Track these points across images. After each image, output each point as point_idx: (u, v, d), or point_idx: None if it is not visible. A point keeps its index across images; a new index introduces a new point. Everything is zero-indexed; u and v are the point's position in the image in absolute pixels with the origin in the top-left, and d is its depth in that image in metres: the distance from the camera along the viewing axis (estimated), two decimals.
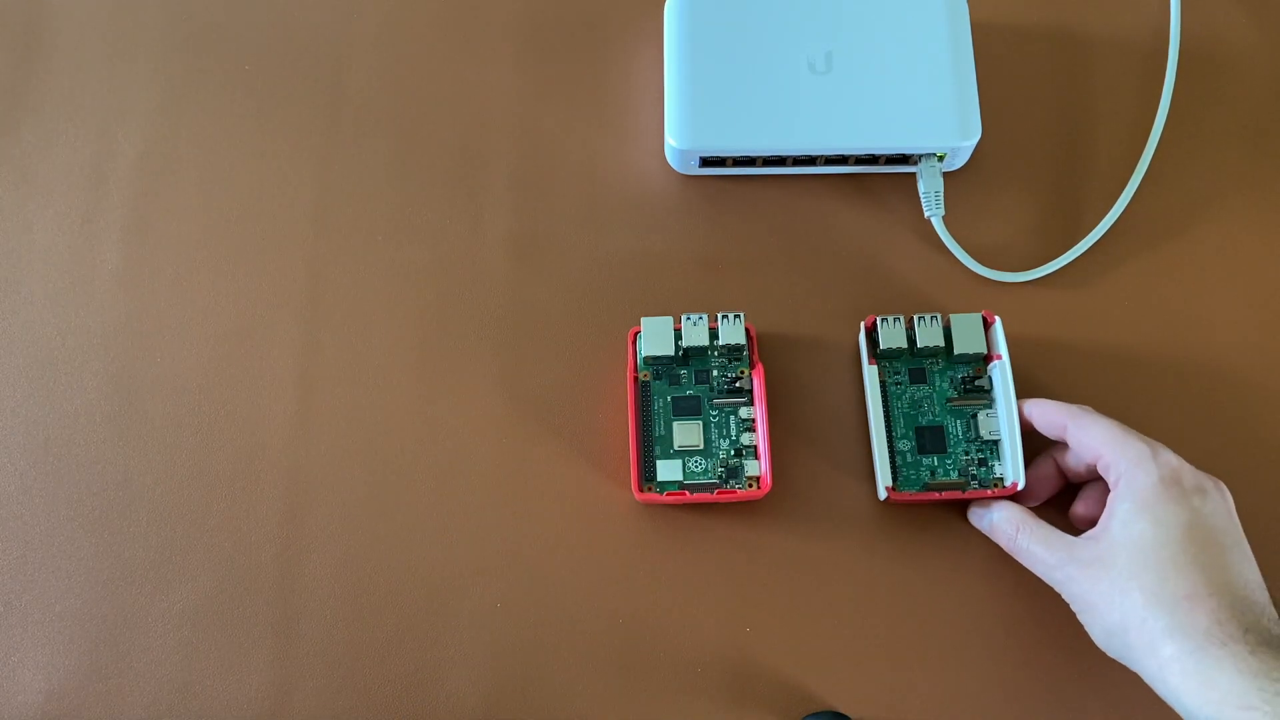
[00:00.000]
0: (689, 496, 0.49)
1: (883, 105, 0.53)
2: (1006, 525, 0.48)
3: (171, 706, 0.49)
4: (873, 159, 0.55)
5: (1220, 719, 0.39)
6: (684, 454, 0.50)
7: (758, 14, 0.55)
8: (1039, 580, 0.47)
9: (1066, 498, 0.50)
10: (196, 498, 0.52)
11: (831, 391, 0.53)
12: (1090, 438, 0.46)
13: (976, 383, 0.52)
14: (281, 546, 0.51)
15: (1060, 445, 0.49)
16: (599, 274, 0.55)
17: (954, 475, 0.50)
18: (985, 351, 0.51)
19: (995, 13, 0.59)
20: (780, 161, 0.55)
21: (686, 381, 0.52)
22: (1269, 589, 0.42)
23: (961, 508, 0.51)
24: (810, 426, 0.52)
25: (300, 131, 0.58)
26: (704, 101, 0.54)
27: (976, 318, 0.51)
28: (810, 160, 0.55)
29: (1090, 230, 0.55)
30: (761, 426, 0.50)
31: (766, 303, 0.54)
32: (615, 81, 0.58)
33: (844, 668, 0.49)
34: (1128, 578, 0.42)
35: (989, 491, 0.50)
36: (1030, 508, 0.49)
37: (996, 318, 0.51)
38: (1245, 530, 0.44)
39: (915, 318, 0.52)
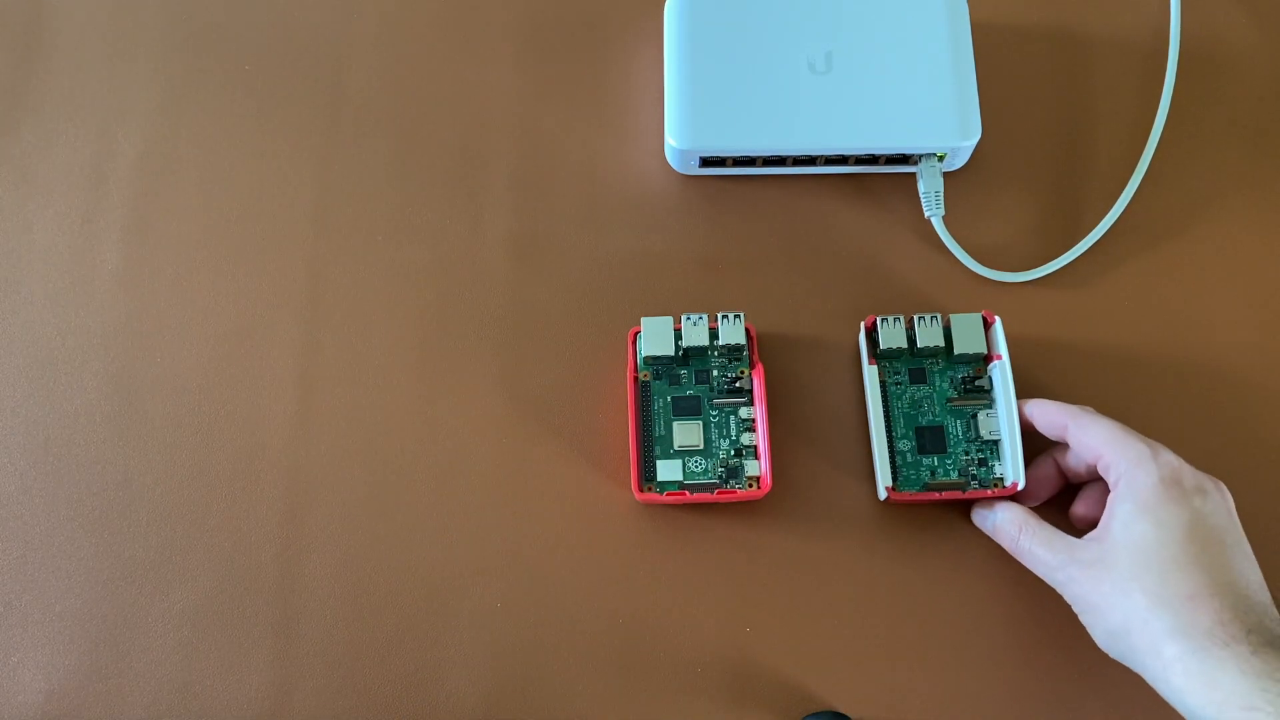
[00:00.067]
0: (689, 496, 0.49)
1: (883, 105, 0.53)
2: (1009, 526, 0.48)
3: (171, 706, 0.49)
4: (873, 159, 0.55)
5: (1223, 719, 0.39)
6: (684, 454, 0.50)
7: (758, 14, 0.55)
8: (1039, 580, 0.47)
9: (1066, 498, 0.50)
10: (196, 498, 0.52)
11: (831, 391, 0.53)
12: (1090, 438, 0.46)
13: (976, 383, 0.52)
14: (281, 546, 0.51)
15: (1060, 446, 0.49)
16: (599, 274, 0.55)
17: (954, 475, 0.50)
18: (985, 351, 0.51)
19: (995, 13, 0.59)
20: (780, 161, 0.55)
21: (686, 381, 0.52)
22: (1269, 589, 0.42)
23: (961, 508, 0.51)
24: (810, 426, 0.52)
25: (300, 131, 0.58)
26: (704, 101, 0.54)
27: (976, 318, 0.51)
28: (810, 160, 0.55)
29: (1090, 230, 0.55)
30: (761, 426, 0.50)
31: (766, 303, 0.54)
32: (615, 81, 0.58)
33: (844, 668, 0.49)
34: (1129, 579, 0.42)
35: (989, 491, 0.50)
36: (1030, 508, 0.49)
37: (996, 318, 0.51)
38: (1245, 530, 0.44)
39: (915, 318, 0.52)
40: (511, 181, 0.57)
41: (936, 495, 0.50)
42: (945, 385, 0.52)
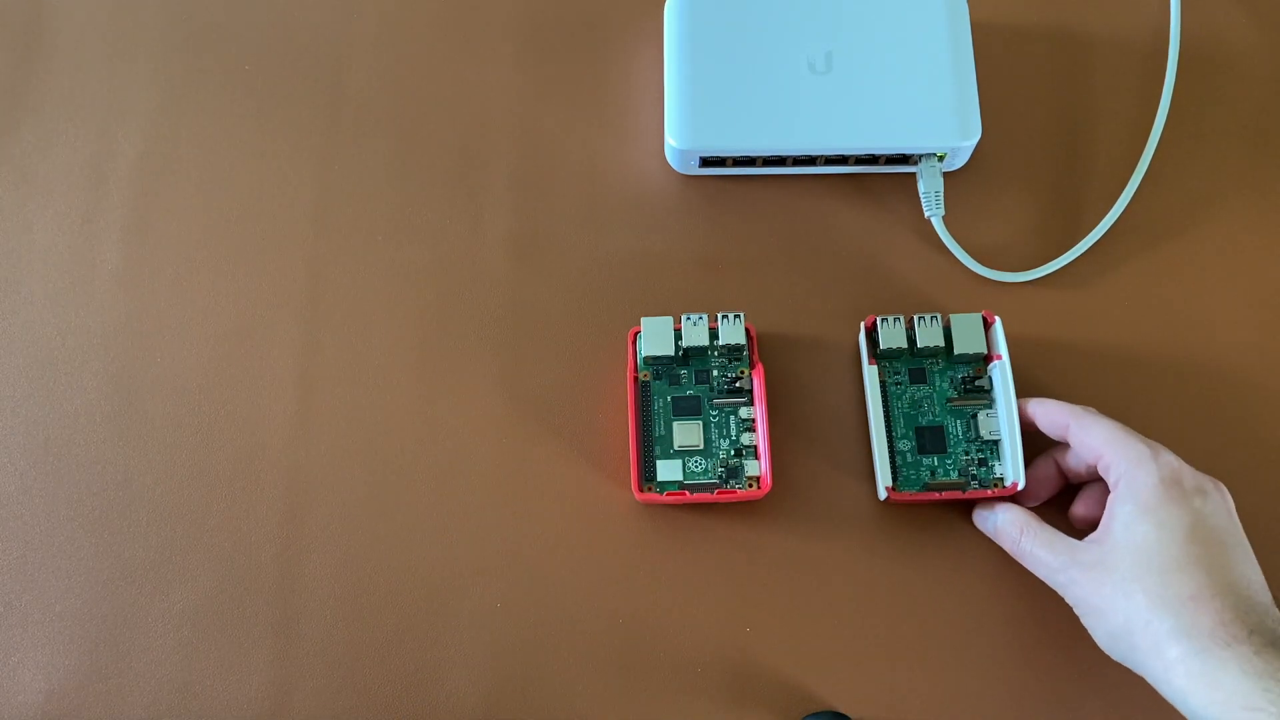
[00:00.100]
0: (689, 496, 0.49)
1: (883, 105, 0.53)
2: (1010, 528, 0.48)
3: (171, 706, 0.49)
4: (873, 159, 0.55)
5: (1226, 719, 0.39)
6: (684, 454, 0.50)
7: (758, 14, 0.55)
8: (1039, 580, 0.47)
9: (1066, 499, 0.50)
10: (196, 498, 0.52)
11: (831, 391, 0.53)
12: (1092, 438, 0.46)
13: (976, 383, 0.52)
14: (281, 546, 0.51)
15: (1061, 446, 0.49)
16: (599, 274, 0.55)
17: (954, 475, 0.50)
18: (985, 351, 0.51)
19: (995, 13, 0.59)
20: (780, 161, 0.55)
21: (686, 381, 0.52)
22: (1270, 589, 0.42)
23: (961, 507, 0.51)
24: (810, 426, 0.52)
25: (300, 131, 0.58)
26: (704, 101, 0.54)
27: (976, 318, 0.51)
28: (810, 160, 0.55)
29: (1090, 230, 0.55)
30: (761, 426, 0.50)
31: (766, 303, 0.54)
32: (615, 81, 0.58)
33: (844, 668, 0.49)
34: (1131, 580, 0.42)
35: (989, 491, 0.50)
36: (1030, 508, 0.49)
37: (996, 318, 0.51)
38: (1246, 530, 0.44)
39: (915, 318, 0.52)
40: (511, 181, 0.57)
41: (936, 495, 0.50)
42: (945, 385, 0.52)
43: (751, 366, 0.52)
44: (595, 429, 0.52)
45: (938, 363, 0.52)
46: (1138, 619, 0.42)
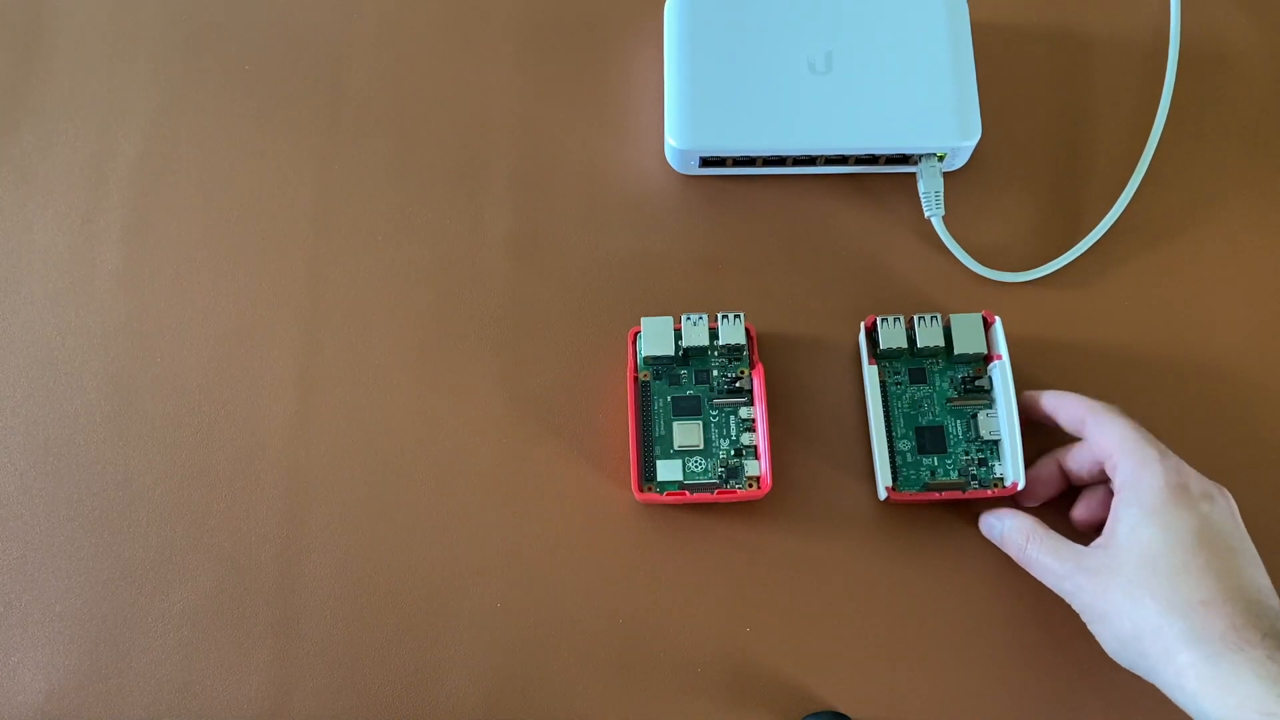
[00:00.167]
0: (689, 496, 0.49)
1: (883, 105, 0.53)
2: (1016, 535, 0.47)
3: (171, 706, 0.49)
4: (873, 159, 0.55)
5: None
6: (684, 454, 0.50)
7: (758, 14, 0.55)
8: (1039, 581, 0.47)
9: (1068, 502, 0.50)
10: (196, 498, 0.52)
11: (831, 391, 0.53)
12: (1106, 435, 0.46)
13: (976, 383, 0.52)
14: (281, 546, 0.51)
15: (1065, 446, 0.49)
16: (599, 274, 0.55)
17: (954, 475, 0.50)
18: (985, 351, 0.51)
19: (995, 13, 0.59)
20: (780, 161, 0.55)
21: (686, 381, 0.52)
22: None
23: (961, 508, 0.51)
24: (810, 426, 0.52)
25: (300, 131, 0.58)
26: (704, 101, 0.54)
27: (976, 318, 0.51)
28: (810, 160, 0.55)
29: (1090, 230, 0.55)
30: (761, 426, 0.50)
31: (766, 303, 0.54)
32: (615, 81, 0.58)
33: (844, 668, 0.49)
34: (1139, 585, 0.42)
35: (989, 492, 0.50)
36: (1030, 508, 0.49)
37: (996, 318, 0.51)
38: (1247, 529, 0.44)
39: (915, 318, 0.52)
40: (511, 181, 0.57)
41: (936, 495, 0.50)
42: (945, 385, 0.52)
43: (751, 366, 0.52)
44: (595, 429, 0.52)
45: (938, 363, 0.52)
46: (1147, 624, 0.42)
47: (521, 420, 0.52)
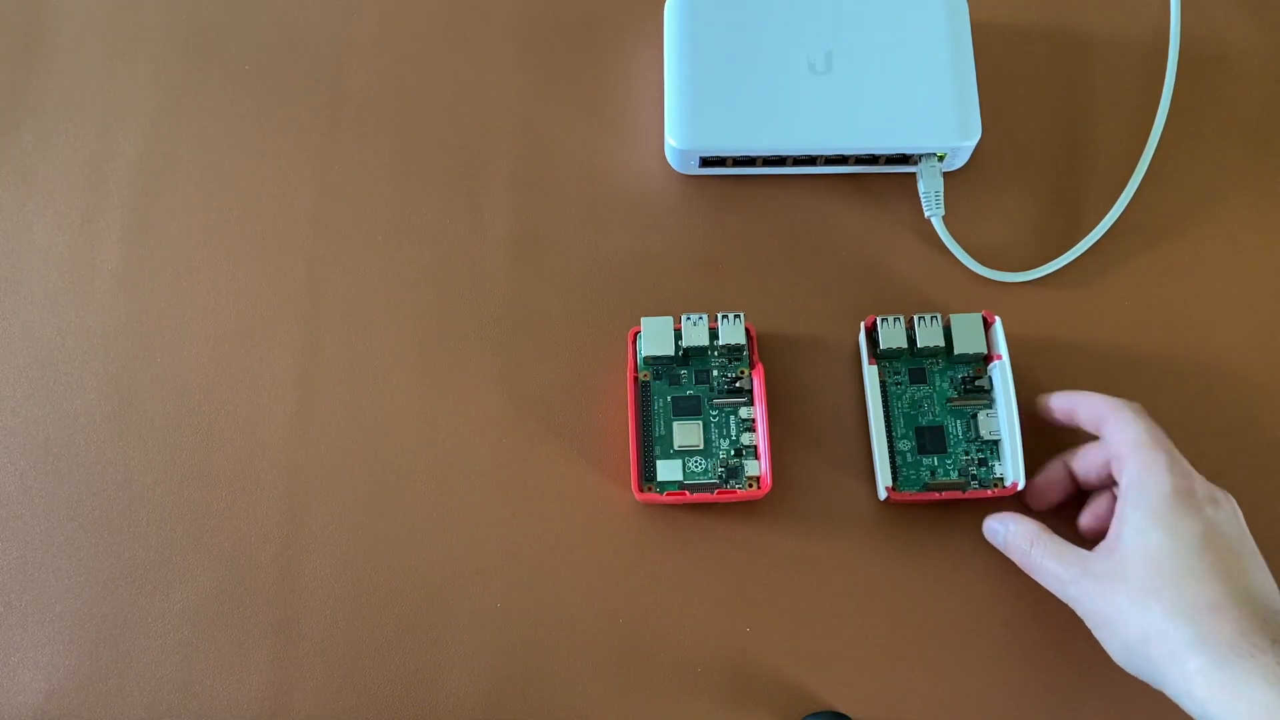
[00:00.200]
0: (689, 496, 0.49)
1: (883, 105, 0.53)
2: (1020, 540, 0.47)
3: (171, 706, 0.49)
4: (873, 159, 0.55)
5: None
6: (684, 454, 0.50)
7: (758, 14, 0.55)
8: (1040, 584, 0.47)
9: (1073, 510, 0.50)
10: (196, 498, 0.52)
11: (831, 391, 0.53)
12: (1122, 433, 0.45)
13: (976, 383, 0.52)
14: (281, 546, 0.51)
15: (1073, 449, 0.49)
16: (599, 274, 0.55)
17: (954, 475, 0.50)
18: (985, 351, 0.51)
19: (995, 13, 0.59)
20: (780, 161, 0.55)
21: (686, 381, 0.52)
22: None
23: (961, 508, 0.51)
24: (810, 426, 0.52)
25: (300, 131, 0.58)
26: (704, 101, 0.54)
27: (976, 318, 0.51)
28: (810, 160, 0.55)
29: (1090, 230, 0.55)
30: (761, 426, 0.50)
31: (766, 303, 0.54)
32: (615, 81, 0.58)
33: (844, 668, 0.49)
34: (1146, 591, 0.42)
35: (989, 491, 0.50)
36: (1038, 513, 0.48)
37: (996, 318, 0.51)
38: (1249, 531, 0.44)
39: (915, 318, 0.52)
40: (511, 181, 0.57)
41: (936, 495, 0.50)
42: (945, 385, 0.52)
43: (751, 366, 0.52)
44: (595, 429, 0.52)
45: (938, 363, 0.52)
46: (1154, 629, 0.41)
47: (521, 420, 0.52)
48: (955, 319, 0.51)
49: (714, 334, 0.51)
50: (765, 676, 0.49)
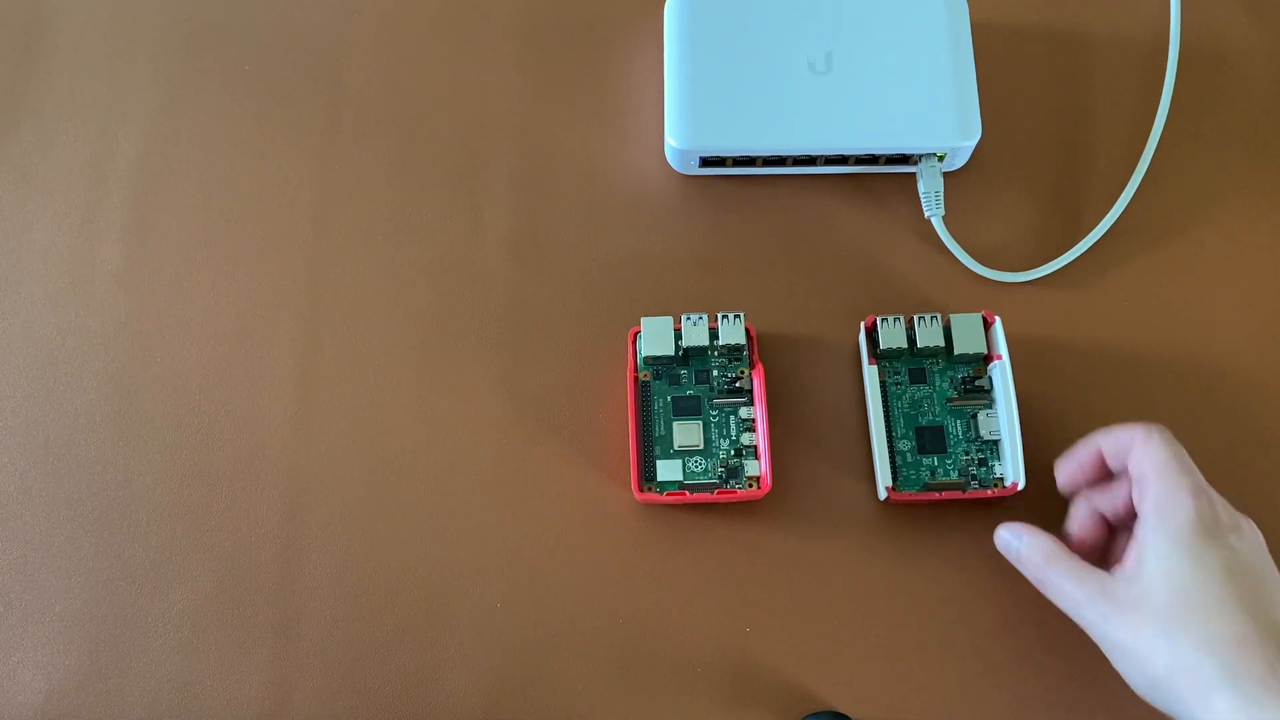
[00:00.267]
0: (689, 496, 0.49)
1: (883, 105, 0.53)
2: (1034, 555, 0.45)
3: (171, 706, 0.49)
4: (873, 159, 0.55)
5: None
6: (684, 454, 0.50)
7: (758, 14, 0.55)
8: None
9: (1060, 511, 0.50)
10: (196, 498, 0.52)
11: (831, 391, 0.53)
12: (1149, 456, 0.43)
13: (976, 383, 0.52)
14: (281, 546, 0.51)
15: (1095, 488, 0.47)
16: (599, 274, 0.55)
17: (954, 475, 0.50)
18: (985, 351, 0.51)
19: (995, 13, 0.59)
20: (780, 161, 0.55)
21: (686, 381, 0.52)
22: None
23: (961, 508, 0.51)
24: (810, 426, 0.52)
25: (300, 131, 0.58)
26: (704, 101, 0.54)
27: (976, 318, 0.52)
28: (810, 160, 0.55)
29: (1090, 230, 0.55)
30: (761, 426, 0.50)
31: (766, 303, 0.54)
32: (615, 81, 0.58)
33: (844, 668, 0.49)
34: (1173, 622, 0.40)
35: (989, 492, 0.50)
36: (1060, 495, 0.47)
37: (996, 318, 0.51)
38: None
39: (915, 318, 0.52)
40: (511, 181, 0.57)
41: (936, 495, 0.50)
42: (945, 385, 0.52)
43: (751, 366, 0.52)
44: (595, 429, 0.52)
45: (938, 363, 0.52)
46: (1180, 664, 0.40)
47: (521, 420, 0.52)
48: (955, 319, 0.51)
49: (714, 334, 0.51)
50: (765, 676, 0.49)
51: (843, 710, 0.48)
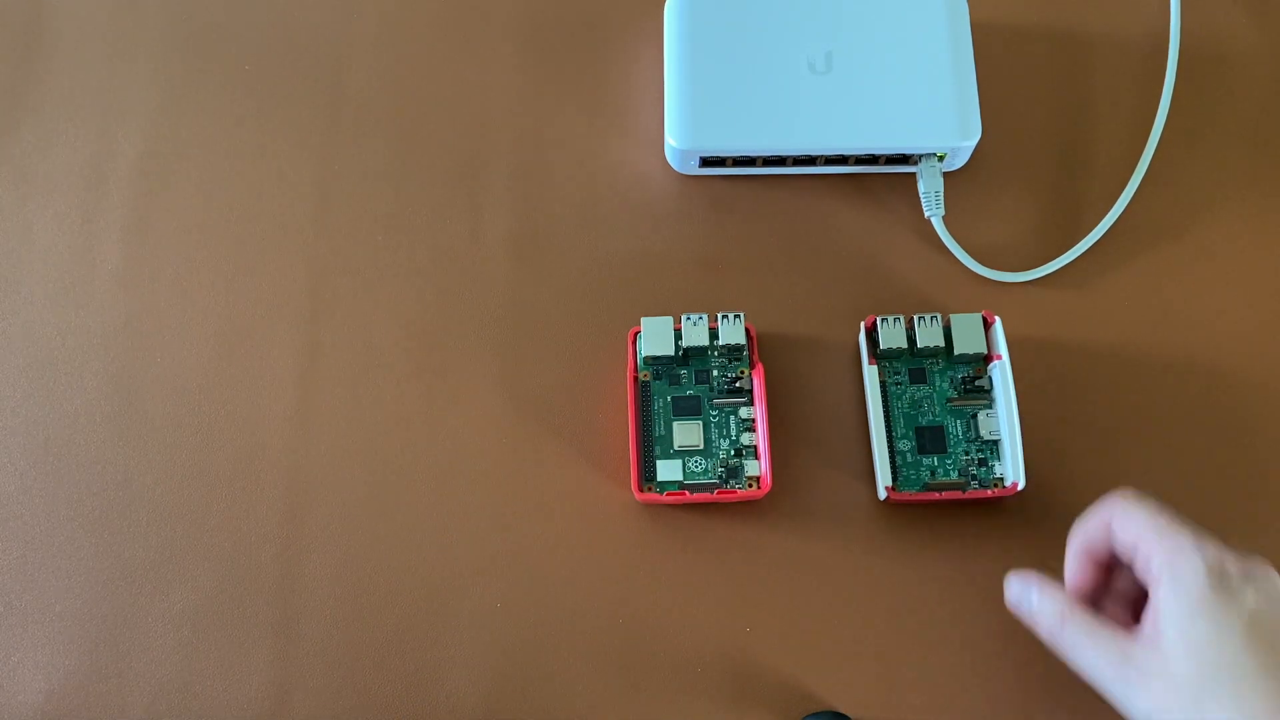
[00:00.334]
0: (689, 496, 0.49)
1: (883, 105, 0.53)
2: (1049, 615, 0.43)
3: (171, 706, 0.49)
4: (873, 159, 0.55)
5: None
6: (684, 454, 0.50)
7: (758, 14, 0.55)
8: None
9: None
10: (196, 498, 0.52)
11: (831, 391, 0.53)
12: (1132, 524, 0.42)
13: (976, 383, 0.52)
14: (281, 546, 0.51)
15: (1109, 583, 0.45)
16: (599, 274, 0.55)
17: (954, 475, 0.50)
18: (985, 351, 0.51)
19: (995, 13, 0.59)
20: (780, 161, 0.55)
21: (686, 381, 0.52)
22: None
23: (961, 508, 0.51)
24: (810, 426, 0.52)
25: (300, 131, 0.58)
26: (704, 101, 0.54)
27: (976, 318, 0.51)
28: (810, 160, 0.55)
29: (1090, 230, 0.55)
30: (761, 426, 0.50)
31: (766, 303, 0.54)
32: (615, 81, 0.58)
33: (844, 668, 0.49)
34: (1201, 693, 0.38)
35: (989, 492, 0.50)
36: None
37: (996, 318, 0.51)
38: (1246, 535, 0.43)
39: (915, 318, 0.52)
40: (511, 181, 0.57)
41: (936, 495, 0.50)
42: (945, 385, 0.52)
43: (751, 366, 0.52)
44: (595, 429, 0.52)
45: (938, 363, 0.52)
46: None
47: (521, 420, 0.52)
48: (955, 319, 0.51)
49: (714, 334, 0.51)
50: (765, 676, 0.49)
51: (843, 710, 0.48)
